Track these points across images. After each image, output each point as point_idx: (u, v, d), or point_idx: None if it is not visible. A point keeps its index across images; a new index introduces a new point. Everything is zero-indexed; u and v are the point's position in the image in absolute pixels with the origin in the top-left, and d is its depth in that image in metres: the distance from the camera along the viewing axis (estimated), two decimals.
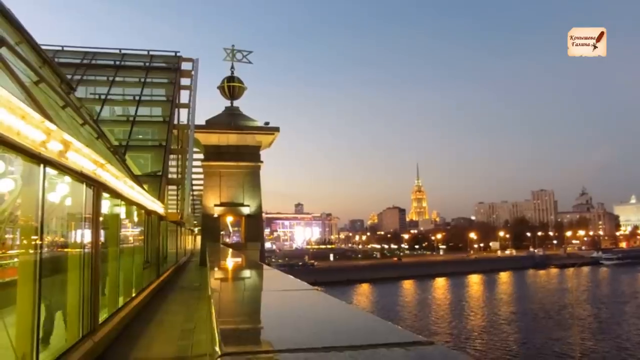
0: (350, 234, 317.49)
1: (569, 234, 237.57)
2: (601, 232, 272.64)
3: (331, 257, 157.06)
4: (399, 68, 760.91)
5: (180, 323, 10.86)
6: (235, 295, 5.30)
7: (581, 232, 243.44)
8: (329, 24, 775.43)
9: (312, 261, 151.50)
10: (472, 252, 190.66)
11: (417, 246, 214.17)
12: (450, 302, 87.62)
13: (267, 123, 28.63)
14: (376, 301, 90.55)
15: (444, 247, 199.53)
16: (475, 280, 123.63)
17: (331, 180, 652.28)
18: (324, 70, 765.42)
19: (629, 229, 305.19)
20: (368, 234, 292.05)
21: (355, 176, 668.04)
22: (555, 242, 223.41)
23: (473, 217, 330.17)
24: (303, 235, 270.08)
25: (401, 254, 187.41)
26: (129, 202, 11.52)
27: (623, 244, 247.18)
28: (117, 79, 26.92)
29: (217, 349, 2.00)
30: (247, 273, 8.57)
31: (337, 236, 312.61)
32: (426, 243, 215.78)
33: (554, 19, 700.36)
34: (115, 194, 9.53)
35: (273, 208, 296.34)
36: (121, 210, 11.16)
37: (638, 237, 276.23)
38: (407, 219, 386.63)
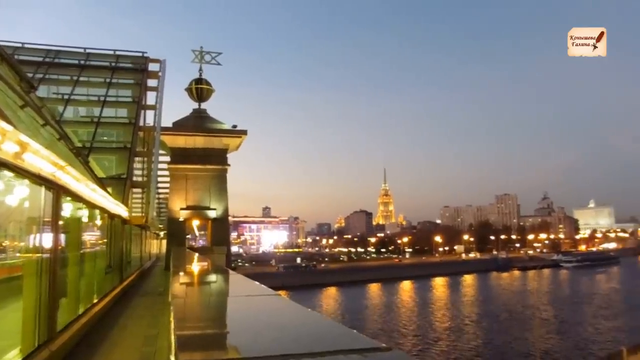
0: (318, 238, 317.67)
1: (531, 237, 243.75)
2: (561, 235, 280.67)
3: (298, 260, 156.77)
4: (368, 72, 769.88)
5: (144, 329, 10.62)
6: (197, 301, 5.18)
7: (542, 236, 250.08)
8: (299, 27, 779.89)
9: (314, 262, 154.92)
10: (437, 255, 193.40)
11: (383, 250, 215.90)
12: (416, 304, 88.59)
13: (234, 126, 28.37)
14: (346, 304, 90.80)
15: (409, 250, 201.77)
16: (440, 283, 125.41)
17: (299, 184, 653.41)
18: (293, 74, 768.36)
19: (588, 232, 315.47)
20: (335, 237, 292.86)
21: (323, 180, 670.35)
22: (518, 245, 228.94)
23: (439, 221, 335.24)
24: (270, 239, 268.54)
25: (367, 257, 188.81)
26: (91, 206, 11.20)
27: (582, 247, 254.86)
28: (81, 78, 26.23)
29: (172, 357, 1.92)
30: (210, 278, 8.44)
31: (304, 240, 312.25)
32: (392, 246, 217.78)
33: (520, 26, 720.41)
34: (76, 197, 9.25)
35: (240, 211, 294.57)
36: (83, 214, 10.85)
37: (596, 240, 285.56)
38: (374, 223, 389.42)
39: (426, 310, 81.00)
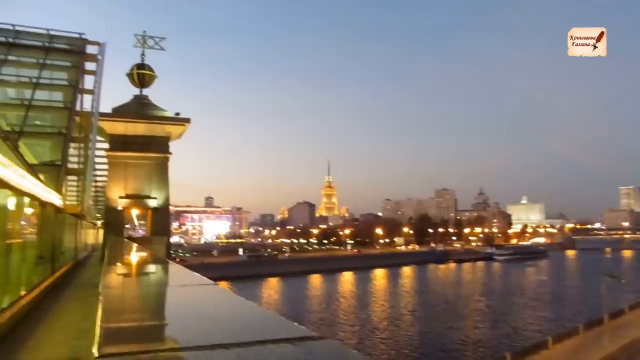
0: (261, 229, 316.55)
1: (467, 230, 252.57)
2: (495, 230, 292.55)
3: (240, 251, 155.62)
4: (315, 63, 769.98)
5: (76, 322, 10.21)
6: (129, 292, 5.03)
7: (478, 229, 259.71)
8: (244, 16, 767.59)
9: (275, 252, 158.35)
10: (378, 247, 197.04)
11: (325, 241, 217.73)
12: (355, 295, 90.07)
13: (177, 114, 27.66)
14: (284, 295, 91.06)
15: (351, 242, 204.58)
16: (380, 274, 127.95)
17: (243, 174, 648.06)
18: (239, 64, 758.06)
19: (520, 226, 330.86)
20: (278, 228, 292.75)
21: (267, 171, 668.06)
22: (454, 238, 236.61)
23: (380, 213, 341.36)
24: (213, 230, 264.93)
25: (309, 249, 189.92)
26: (20, 193, 10.63)
27: (514, 241, 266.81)
28: (10, 57, 24.68)
29: (95, 350, 1.88)
30: (146, 268, 8.23)
31: (247, 230, 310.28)
32: (335, 238, 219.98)
33: (466, 24, 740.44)
34: (2, 184, 8.75)
35: (182, 201, 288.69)
36: (10, 202, 10.28)
37: (527, 234, 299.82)
38: (317, 214, 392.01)
39: (366, 301, 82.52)
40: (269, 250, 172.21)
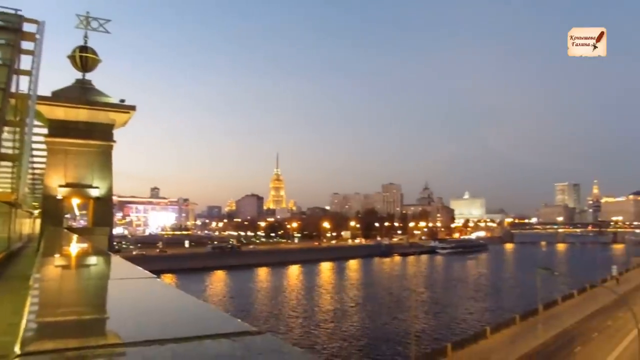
0: (207, 221, 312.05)
1: (412, 224, 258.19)
2: (439, 224, 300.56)
3: (186, 243, 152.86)
4: (266, 55, 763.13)
5: (6, 316, 9.65)
6: (63, 285, 4.75)
7: (422, 224, 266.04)
8: (192, 3, 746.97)
9: (239, 244, 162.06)
10: (324, 240, 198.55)
11: (272, 234, 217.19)
12: (302, 288, 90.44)
13: (122, 100, 26.62)
14: (229, 288, 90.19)
15: (298, 235, 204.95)
16: (326, 268, 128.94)
17: (191, 165, 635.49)
18: (187, 52, 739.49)
19: (462, 221, 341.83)
20: (225, 220, 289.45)
21: (215, 162, 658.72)
22: (400, 232, 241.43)
23: (328, 207, 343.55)
24: (158, 221, 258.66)
25: (257, 241, 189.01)
26: None
27: (456, 235, 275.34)
28: None
29: (17, 347, 1.76)
30: (83, 260, 7.85)
31: (193, 222, 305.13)
32: (282, 231, 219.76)
33: (418, 22, 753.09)
34: None
35: (127, 191, 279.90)
36: None
37: (469, 228, 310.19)
38: (265, 207, 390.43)
39: (313, 294, 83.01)
40: (232, 241, 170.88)
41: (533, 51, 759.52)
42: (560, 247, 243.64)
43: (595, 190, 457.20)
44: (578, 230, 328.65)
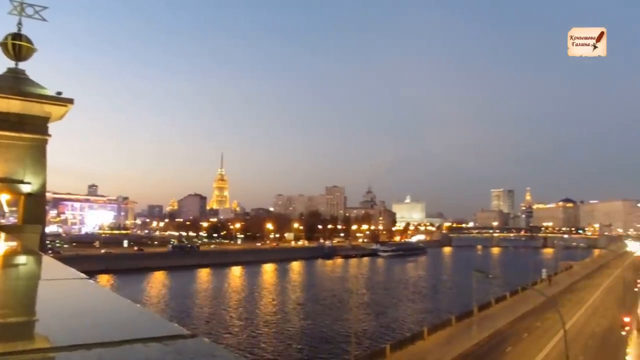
0: (148, 220, 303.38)
1: (354, 227, 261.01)
2: (381, 227, 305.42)
3: (125, 243, 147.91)
4: (211, 54, 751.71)
5: None
6: None
7: (365, 227, 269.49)
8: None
9: (198, 244, 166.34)
10: (267, 241, 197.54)
11: (215, 235, 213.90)
12: (244, 290, 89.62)
13: (59, 93, 25.36)
14: (169, 290, 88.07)
15: (241, 236, 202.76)
16: (269, 269, 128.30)
17: (132, 162, 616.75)
18: (130, 48, 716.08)
19: (403, 224, 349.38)
20: (167, 220, 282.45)
21: (158, 160, 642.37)
22: (343, 234, 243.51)
23: (272, 208, 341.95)
24: (95, 220, 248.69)
25: (199, 242, 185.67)
26: None
27: (397, 238, 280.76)
28: None
29: None
30: (11, 260, 7.42)
31: (133, 221, 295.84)
32: (225, 232, 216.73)
33: (366, 27, 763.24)
34: None
35: (62, 188, 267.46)
36: None
37: (409, 232, 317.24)
38: (208, 207, 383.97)
39: (255, 295, 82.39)
40: (152, 241, 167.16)
41: (473, 59, 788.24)
42: (495, 250, 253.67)
43: (528, 197, 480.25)
44: (512, 234, 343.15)
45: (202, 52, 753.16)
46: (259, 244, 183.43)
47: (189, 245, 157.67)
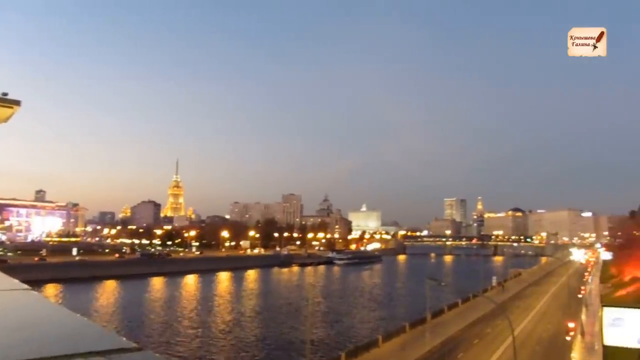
0: (99, 227, 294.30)
1: (310, 235, 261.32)
2: (337, 235, 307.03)
3: (74, 251, 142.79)
4: (168, 58, 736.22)
5: None
6: None
7: (321, 235, 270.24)
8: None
9: (167, 252, 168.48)
10: (224, 250, 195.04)
11: (169, 243, 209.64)
12: (198, 299, 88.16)
13: (5, 94, 24.41)
14: (121, 300, 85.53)
15: (196, 244, 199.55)
16: (224, 278, 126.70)
17: (83, 167, 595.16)
18: (82, 48, 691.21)
19: (359, 233, 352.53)
20: (119, 227, 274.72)
21: (110, 166, 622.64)
22: (299, 242, 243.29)
23: (228, 216, 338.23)
24: (43, 226, 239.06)
25: (152, 250, 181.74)
26: None
27: (353, 246, 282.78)
28: None
29: None
30: None
31: (83, 229, 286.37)
32: (179, 240, 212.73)
33: (324, 36, 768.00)
34: None
35: (7, 193, 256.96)
36: None
37: (365, 240, 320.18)
38: (162, 215, 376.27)
39: (209, 304, 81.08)
40: (104, 249, 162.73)
41: (427, 69, 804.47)
42: (448, 258, 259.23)
43: (480, 206, 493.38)
44: (464, 243, 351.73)
45: (157, 54, 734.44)
46: (216, 252, 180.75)
47: (156, 253, 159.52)
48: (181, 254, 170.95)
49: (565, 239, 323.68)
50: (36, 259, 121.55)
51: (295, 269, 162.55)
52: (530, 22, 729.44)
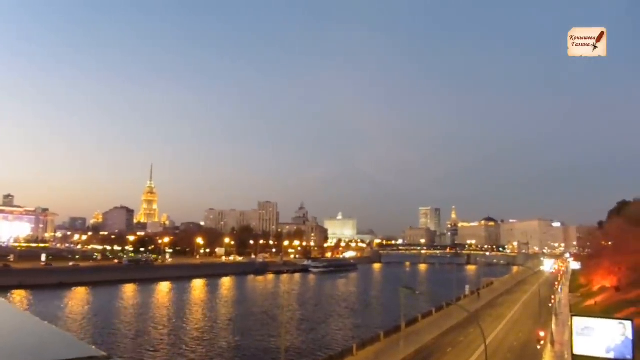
0: (69, 233, 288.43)
1: (286, 243, 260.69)
2: (313, 243, 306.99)
3: (43, 257, 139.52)
4: (142, 61, 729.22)
5: None
6: None
7: (297, 242, 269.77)
8: (70, 2, 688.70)
9: (153, 258, 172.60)
10: (198, 257, 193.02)
11: (142, 249, 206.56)
12: (172, 306, 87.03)
13: None
14: (91, 307, 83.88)
15: (170, 251, 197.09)
16: (198, 285, 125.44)
17: (52, 172, 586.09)
18: (52, 51, 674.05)
19: (335, 241, 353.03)
20: (90, 233, 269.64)
21: (82, 170, 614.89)
22: (274, 250, 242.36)
23: (203, 223, 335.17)
24: (10, 232, 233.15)
25: (124, 256, 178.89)
26: None
27: (329, 254, 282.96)
28: None
29: None
30: None
31: (52, 234, 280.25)
32: (153, 246, 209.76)
33: (298, 44, 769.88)
34: None
35: None
36: None
37: (341, 248, 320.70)
38: (136, 221, 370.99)
39: (183, 312, 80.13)
40: (74, 255, 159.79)
41: (399, 78, 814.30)
42: (422, 267, 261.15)
43: (454, 216, 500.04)
44: (438, 252, 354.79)
45: (130, 59, 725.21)
46: (190, 259, 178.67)
47: (143, 260, 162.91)
48: (159, 262, 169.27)
49: (536, 248, 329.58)
50: (71, 263, 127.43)
51: (271, 276, 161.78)
52: (501, 28, 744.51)
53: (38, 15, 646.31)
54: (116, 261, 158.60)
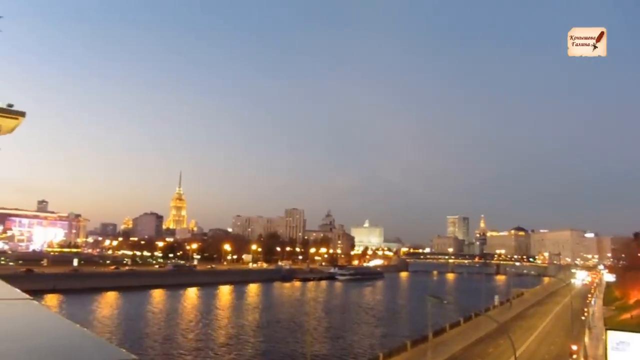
0: (100, 238, 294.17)
1: (313, 250, 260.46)
2: (339, 251, 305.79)
3: (75, 262, 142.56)
4: (173, 71, 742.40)
5: None
6: None
7: (323, 250, 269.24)
8: (86, 7, 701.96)
9: (194, 264, 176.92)
10: (225, 263, 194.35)
11: (171, 255, 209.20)
12: (200, 312, 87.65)
13: (10, 105, 24.63)
14: (122, 311, 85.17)
15: (198, 257, 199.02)
16: (225, 291, 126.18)
17: (85, 179, 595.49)
18: (83, 62, 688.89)
19: (361, 248, 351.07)
20: (120, 239, 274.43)
21: (113, 177, 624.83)
22: (301, 257, 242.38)
23: (230, 229, 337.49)
24: (44, 237, 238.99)
25: (153, 262, 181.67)
26: None
27: (355, 262, 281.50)
28: None
29: None
30: None
31: (84, 239, 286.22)
32: (181, 252, 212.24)
33: (317, 47, 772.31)
34: None
35: (10, 203, 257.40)
36: None
37: (367, 256, 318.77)
38: (164, 227, 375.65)
39: (211, 318, 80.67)
40: (105, 260, 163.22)
41: (423, 85, 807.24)
42: (450, 276, 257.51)
43: (482, 224, 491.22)
44: (466, 261, 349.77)
45: (157, 69, 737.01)
46: (218, 266, 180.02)
47: (187, 265, 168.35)
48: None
49: (568, 259, 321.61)
50: (23, 270, 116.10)
51: (297, 283, 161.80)
52: (530, 34, 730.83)
53: (67, 28, 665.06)
54: (157, 267, 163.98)
